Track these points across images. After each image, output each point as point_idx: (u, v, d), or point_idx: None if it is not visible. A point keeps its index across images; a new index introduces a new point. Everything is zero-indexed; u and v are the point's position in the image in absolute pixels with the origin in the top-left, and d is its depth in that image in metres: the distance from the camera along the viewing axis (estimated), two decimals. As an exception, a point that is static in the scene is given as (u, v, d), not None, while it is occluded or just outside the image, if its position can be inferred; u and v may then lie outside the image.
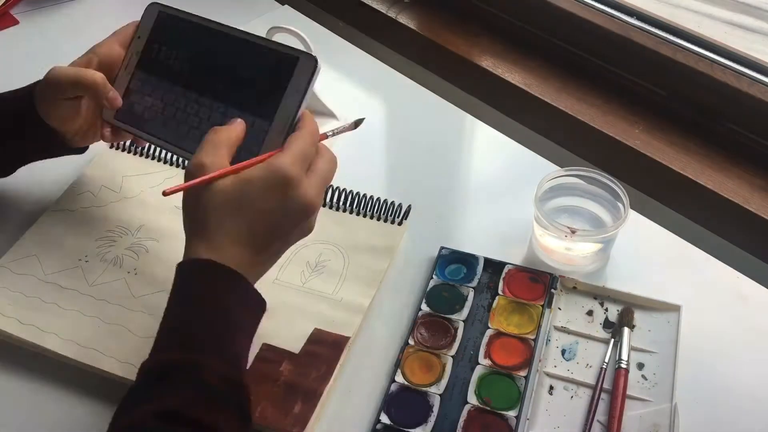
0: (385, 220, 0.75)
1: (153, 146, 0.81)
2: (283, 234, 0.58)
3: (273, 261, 0.60)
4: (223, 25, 0.68)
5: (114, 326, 0.65)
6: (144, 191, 0.78)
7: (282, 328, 0.66)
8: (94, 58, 0.69)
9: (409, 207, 0.75)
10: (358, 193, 0.76)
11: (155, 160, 0.81)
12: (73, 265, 0.70)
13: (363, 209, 0.76)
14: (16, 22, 1.02)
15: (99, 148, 0.80)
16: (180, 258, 0.70)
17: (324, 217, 0.74)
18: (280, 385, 0.62)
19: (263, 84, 0.65)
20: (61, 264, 0.70)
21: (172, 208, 0.75)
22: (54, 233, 0.73)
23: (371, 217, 0.75)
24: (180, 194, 0.57)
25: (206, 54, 0.68)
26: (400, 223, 0.75)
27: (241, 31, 0.67)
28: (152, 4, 0.72)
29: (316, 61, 0.61)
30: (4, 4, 1.03)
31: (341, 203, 0.76)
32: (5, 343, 0.65)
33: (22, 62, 0.96)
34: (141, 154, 0.82)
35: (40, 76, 0.98)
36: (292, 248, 0.71)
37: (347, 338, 0.65)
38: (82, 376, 0.63)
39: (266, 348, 0.64)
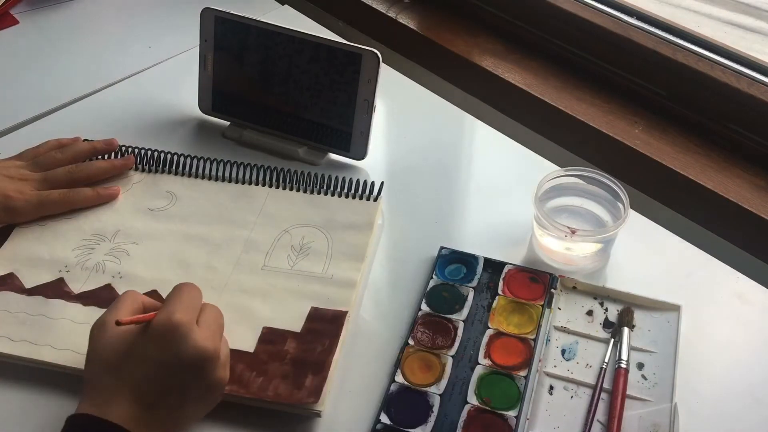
0: (360, 198, 0.76)
1: (120, 155, 0.80)
2: (178, 387, 0.55)
3: (174, 419, 0.56)
4: (274, 25, 0.79)
5: None
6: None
7: (279, 310, 0.66)
8: None
9: (382, 183, 0.76)
10: (330, 176, 0.77)
11: None
12: (54, 277, 0.69)
13: (338, 190, 0.77)
14: (16, 22, 1.02)
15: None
16: (166, 256, 0.71)
17: (301, 202, 0.76)
18: (288, 363, 0.62)
19: (338, 76, 0.77)
20: (42, 277, 0.69)
21: (146, 211, 0.75)
22: (28, 248, 0.71)
23: (346, 197, 0.76)
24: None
25: (274, 51, 0.80)
26: (375, 199, 0.76)
27: (296, 31, 0.78)
28: (206, 9, 0.80)
29: (377, 54, 0.75)
30: (4, 4, 1.03)
31: (315, 186, 0.77)
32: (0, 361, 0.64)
33: (22, 62, 0.96)
34: None
35: (40, 76, 0.98)
36: (274, 235, 0.72)
37: (345, 312, 0.66)
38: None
39: (267, 331, 0.65)
